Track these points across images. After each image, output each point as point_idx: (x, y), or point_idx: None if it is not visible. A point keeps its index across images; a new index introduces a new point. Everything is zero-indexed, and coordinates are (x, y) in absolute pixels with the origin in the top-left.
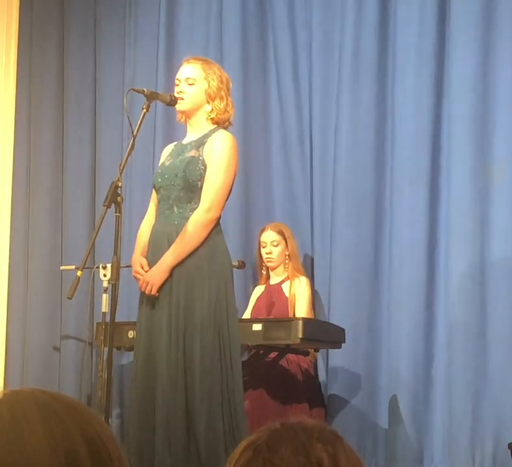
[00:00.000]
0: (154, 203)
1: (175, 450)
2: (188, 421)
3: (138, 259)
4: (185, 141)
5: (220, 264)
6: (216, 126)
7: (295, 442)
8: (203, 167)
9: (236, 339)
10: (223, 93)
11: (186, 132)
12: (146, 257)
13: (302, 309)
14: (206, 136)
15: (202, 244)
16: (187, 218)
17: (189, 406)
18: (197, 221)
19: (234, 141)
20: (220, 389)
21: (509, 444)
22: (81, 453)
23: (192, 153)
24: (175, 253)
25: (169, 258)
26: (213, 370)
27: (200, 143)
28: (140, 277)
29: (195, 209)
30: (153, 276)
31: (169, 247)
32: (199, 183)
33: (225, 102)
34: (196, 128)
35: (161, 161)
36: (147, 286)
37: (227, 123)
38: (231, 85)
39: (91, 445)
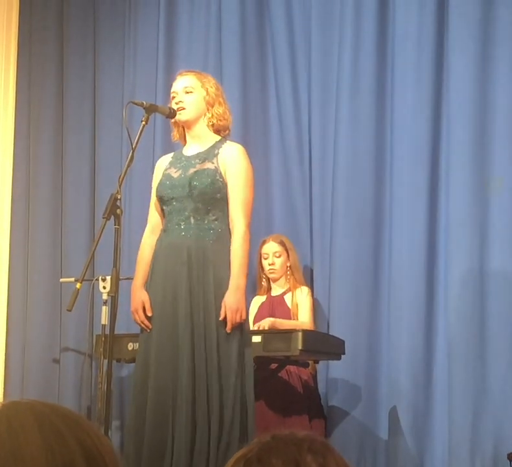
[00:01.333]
0: (157, 219)
1: (195, 455)
2: (208, 425)
3: (139, 293)
4: (188, 153)
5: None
6: (220, 137)
7: (285, 453)
8: (221, 180)
9: (250, 352)
10: (221, 100)
11: (183, 145)
12: (152, 271)
13: (305, 316)
14: (215, 147)
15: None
16: (205, 230)
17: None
18: (243, 241)
19: (246, 153)
20: (239, 399)
21: (508, 455)
22: (78, 464)
23: (207, 165)
24: (240, 274)
25: (241, 281)
26: (234, 383)
27: (212, 155)
28: (138, 318)
29: (213, 221)
30: (238, 302)
31: (188, 260)
32: (218, 195)
33: (223, 107)
34: (198, 139)
35: (161, 172)
36: (237, 314)
37: (227, 131)
38: (224, 93)
39: (88, 457)
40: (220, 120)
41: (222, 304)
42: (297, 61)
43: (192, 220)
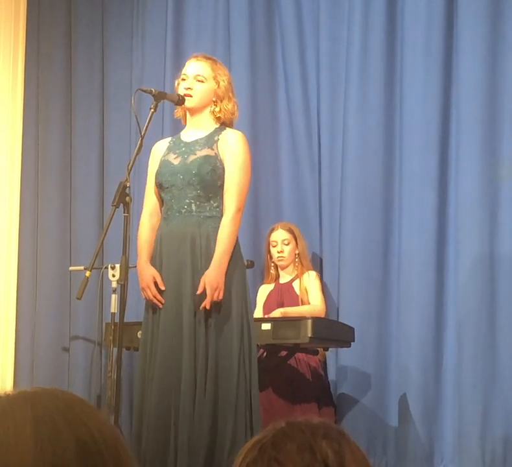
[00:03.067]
0: (153, 202)
1: (199, 452)
2: (213, 422)
3: (148, 269)
4: (188, 139)
5: (240, 268)
6: (220, 125)
7: (300, 439)
8: (221, 167)
9: (255, 343)
10: (230, 94)
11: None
12: (155, 260)
13: (316, 298)
14: (215, 134)
15: None
16: (207, 217)
17: (215, 408)
18: (231, 224)
19: (246, 139)
20: (243, 390)
21: None
22: (70, 459)
23: (206, 152)
24: (227, 252)
25: (225, 258)
26: (238, 373)
27: (211, 142)
28: (150, 294)
29: (215, 208)
30: (218, 280)
31: (192, 246)
32: (218, 182)
33: (232, 103)
34: (199, 126)
35: (158, 157)
36: (217, 292)
37: (232, 124)
38: (233, 86)
39: (83, 453)
40: (227, 115)
41: (201, 279)
42: (306, 48)
43: (193, 206)
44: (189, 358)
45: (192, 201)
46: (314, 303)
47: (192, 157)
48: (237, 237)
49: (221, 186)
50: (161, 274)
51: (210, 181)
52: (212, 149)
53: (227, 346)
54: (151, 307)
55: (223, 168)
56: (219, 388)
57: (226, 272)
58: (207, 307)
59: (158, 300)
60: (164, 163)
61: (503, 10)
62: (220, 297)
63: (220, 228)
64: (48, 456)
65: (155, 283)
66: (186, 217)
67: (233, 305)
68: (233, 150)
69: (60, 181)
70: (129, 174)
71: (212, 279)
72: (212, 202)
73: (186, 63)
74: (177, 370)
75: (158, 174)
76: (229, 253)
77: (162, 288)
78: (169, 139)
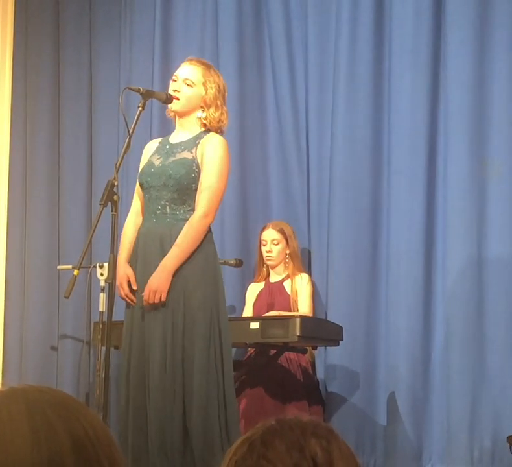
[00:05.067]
0: (139, 201)
1: (172, 451)
2: (183, 421)
3: (123, 268)
4: (173, 141)
5: (212, 269)
6: (206, 130)
7: (289, 437)
8: (197, 170)
9: (228, 344)
10: (219, 102)
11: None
12: (131, 258)
13: (305, 304)
14: (198, 138)
15: (197, 249)
16: (180, 220)
17: (185, 407)
18: (195, 226)
19: (227, 145)
20: (215, 388)
21: (507, 437)
22: (66, 453)
23: (185, 154)
24: (177, 257)
25: (171, 262)
26: (209, 372)
27: (192, 145)
28: (123, 292)
29: (188, 211)
30: (161, 283)
31: (161, 248)
32: (193, 185)
33: (220, 111)
34: (186, 128)
35: (147, 157)
36: (155, 294)
37: (219, 131)
38: (227, 93)
39: (78, 449)
40: (214, 122)
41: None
42: (294, 47)
43: (168, 209)
44: (157, 365)
45: (167, 203)
46: (302, 310)
47: (171, 159)
48: (201, 240)
49: (197, 189)
50: (136, 273)
51: (185, 184)
52: (191, 152)
53: (194, 346)
54: (133, 308)
55: (200, 171)
56: (187, 389)
57: (186, 272)
58: (146, 310)
59: (130, 299)
60: (148, 164)
61: (490, 12)
62: (163, 299)
63: (182, 231)
64: (45, 451)
65: (129, 282)
66: (160, 219)
67: (201, 306)
68: (211, 154)
69: (48, 179)
70: (117, 172)
71: (152, 281)
72: (186, 205)
73: (181, 65)
74: (145, 369)
75: (141, 174)
76: (182, 255)
77: (134, 287)
78: (160, 139)
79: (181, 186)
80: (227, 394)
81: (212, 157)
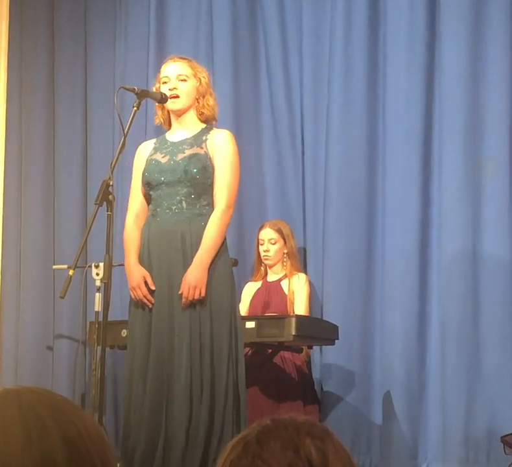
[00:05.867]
0: (139, 202)
1: (192, 452)
2: (209, 425)
3: (138, 269)
4: (174, 139)
5: (228, 265)
6: (206, 125)
7: (284, 436)
8: (211, 165)
9: (242, 342)
10: (211, 90)
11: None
12: (142, 258)
13: (301, 306)
14: (203, 134)
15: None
16: (197, 215)
17: (212, 410)
18: (220, 220)
19: (234, 138)
20: (232, 390)
21: (501, 438)
22: (58, 454)
23: (195, 150)
24: (209, 251)
25: (205, 257)
26: (228, 372)
27: (200, 141)
28: (141, 293)
29: (204, 206)
30: (199, 278)
31: (182, 244)
32: (209, 180)
33: (213, 98)
34: (185, 126)
35: (144, 158)
36: (195, 291)
37: (214, 122)
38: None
39: (70, 449)
40: (210, 110)
41: (183, 279)
42: (289, 47)
43: (184, 204)
44: (184, 358)
45: (183, 198)
46: (298, 312)
47: (181, 156)
48: (225, 234)
49: (211, 185)
50: (151, 272)
51: (200, 179)
52: (201, 148)
53: (220, 345)
54: (141, 304)
55: (213, 167)
56: (215, 391)
57: (215, 269)
58: (183, 305)
59: (148, 300)
60: (151, 162)
61: (485, 10)
62: (202, 295)
63: (208, 224)
64: (36, 453)
65: (146, 283)
66: (177, 214)
67: (225, 303)
68: (223, 149)
69: (43, 179)
70: (112, 172)
71: (190, 278)
72: (202, 200)
73: (164, 67)
74: (170, 370)
75: (146, 173)
76: (213, 250)
77: (153, 288)
78: (154, 140)
79: (196, 181)
80: (241, 392)
81: (224, 152)
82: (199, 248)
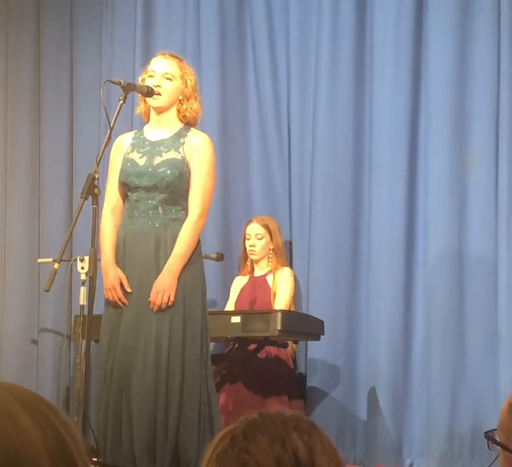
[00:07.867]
0: (115, 198)
1: (158, 447)
2: (168, 417)
3: (114, 270)
4: (152, 138)
5: (201, 270)
6: (184, 124)
7: (271, 430)
8: (187, 171)
9: (209, 339)
10: (196, 94)
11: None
12: (118, 258)
13: (282, 299)
14: (181, 135)
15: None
16: (173, 220)
17: (173, 402)
18: (193, 228)
19: (212, 143)
20: (205, 392)
21: (485, 433)
22: (68, 442)
23: (173, 154)
24: (180, 259)
25: (176, 264)
26: (200, 375)
27: (177, 143)
28: (115, 295)
29: (180, 210)
30: (167, 285)
31: (156, 248)
32: (185, 185)
33: (197, 102)
34: (164, 124)
35: (122, 153)
36: (163, 297)
37: (196, 123)
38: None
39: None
40: (193, 114)
41: (153, 285)
42: (276, 42)
43: (160, 209)
44: (149, 360)
45: (159, 204)
46: (277, 306)
47: (158, 159)
48: (198, 240)
49: (188, 189)
50: (125, 273)
51: (177, 185)
52: (179, 152)
53: (192, 345)
54: (113, 304)
55: (190, 171)
56: (184, 392)
57: (188, 272)
58: (153, 312)
59: (123, 302)
60: (128, 162)
61: (471, 5)
62: (171, 300)
63: (181, 232)
64: (53, 443)
65: (121, 285)
66: (153, 218)
67: (198, 304)
68: (200, 154)
69: (28, 173)
70: (98, 165)
71: (159, 284)
72: (177, 205)
73: (153, 60)
74: (132, 372)
75: (123, 173)
76: (185, 258)
77: (129, 290)
78: (132, 134)
79: (174, 187)
80: (210, 387)
81: (201, 157)
82: (171, 255)
